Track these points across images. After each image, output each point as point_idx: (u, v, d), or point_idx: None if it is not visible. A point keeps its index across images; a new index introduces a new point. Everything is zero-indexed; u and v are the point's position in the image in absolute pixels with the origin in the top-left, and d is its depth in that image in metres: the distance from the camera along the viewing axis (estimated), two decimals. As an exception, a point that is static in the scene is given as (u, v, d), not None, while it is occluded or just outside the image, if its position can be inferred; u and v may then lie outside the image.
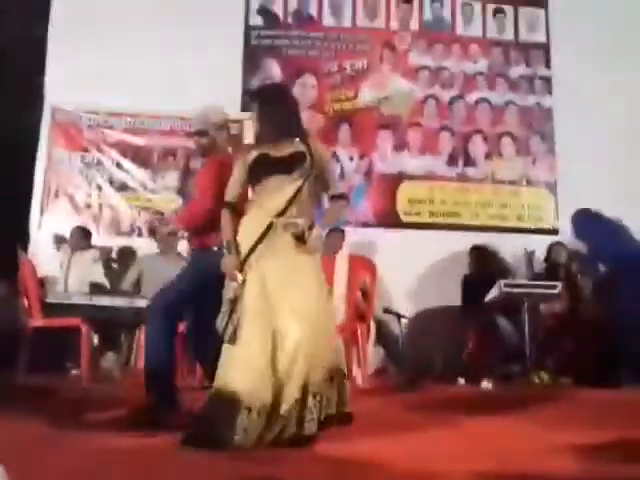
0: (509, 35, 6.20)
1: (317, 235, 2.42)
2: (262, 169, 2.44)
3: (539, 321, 4.65)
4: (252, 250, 2.40)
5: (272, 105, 2.50)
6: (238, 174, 2.50)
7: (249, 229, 2.44)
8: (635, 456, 2.20)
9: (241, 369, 2.28)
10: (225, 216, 2.53)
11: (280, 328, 2.30)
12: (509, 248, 5.40)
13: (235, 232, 2.48)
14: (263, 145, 2.48)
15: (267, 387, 2.27)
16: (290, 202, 2.41)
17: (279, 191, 2.41)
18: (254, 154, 2.48)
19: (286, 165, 2.42)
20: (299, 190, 2.41)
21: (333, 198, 2.55)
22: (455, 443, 2.57)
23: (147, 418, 2.59)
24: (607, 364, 4.23)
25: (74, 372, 4.36)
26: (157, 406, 2.67)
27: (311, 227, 2.42)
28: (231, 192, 2.53)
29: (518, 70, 6.13)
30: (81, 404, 3.35)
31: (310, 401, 2.31)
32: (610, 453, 2.28)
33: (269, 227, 2.40)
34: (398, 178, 5.75)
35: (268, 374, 2.28)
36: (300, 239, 2.41)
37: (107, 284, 4.67)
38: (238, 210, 2.51)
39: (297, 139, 2.47)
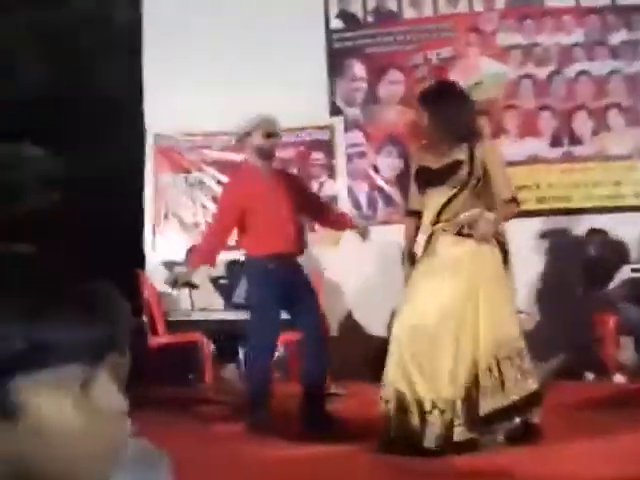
0: (604, 0, 5.78)
1: (486, 220, 2.41)
2: (423, 181, 2.50)
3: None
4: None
5: (439, 108, 2.50)
6: (412, 183, 2.61)
7: (420, 241, 2.61)
8: None
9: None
10: (407, 225, 2.68)
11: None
12: (629, 229, 5.03)
13: (413, 242, 2.59)
14: (429, 152, 2.54)
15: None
16: (441, 210, 2.49)
17: (434, 202, 2.51)
18: (415, 167, 2.55)
19: (442, 176, 2.45)
20: (453, 197, 2.46)
21: (504, 202, 2.52)
22: (598, 448, 2.42)
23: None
24: None
25: (198, 385, 4.52)
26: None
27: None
28: (411, 200, 2.65)
29: (619, 36, 5.68)
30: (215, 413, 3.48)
31: None
32: None
33: (430, 236, 2.53)
34: (498, 165, 5.51)
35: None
36: (465, 234, 2.43)
37: (220, 299, 4.81)
38: (420, 218, 2.62)
39: (464, 144, 2.46)
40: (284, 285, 2.93)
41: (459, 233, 2.46)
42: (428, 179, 2.50)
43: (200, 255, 3.31)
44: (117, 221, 4.58)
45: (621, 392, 3.77)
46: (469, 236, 2.44)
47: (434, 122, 2.47)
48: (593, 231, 4.85)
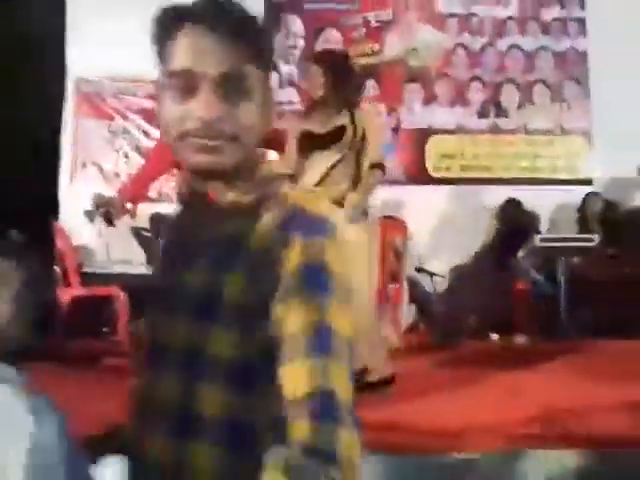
0: (541, -25, 5.88)
1: (352, 201, 2.43)
2: (305, 146, 2.48)
3: (575, 275, 4.56)
4: None
5: (334, 75, 2.49)
6: (291, 146, 2.56)
7: None
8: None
9: None
10: None
11: None
12: (544, 201, 5.27)
13: None
14: (312, 117, 2.51)
15: None
16: (325, 176, 2.46)
17: (316, 167, 2.48)
18: (299, 130, 2.52)
19: (325, 141, 2.45)
20: (336, 164, 2.46)
21: (371, 167, 2.54)
22: (493, 398, 2.60)
23: None
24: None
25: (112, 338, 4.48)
26: None
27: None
28: (286, 164, 2.61)
29: (551, 12, 5.83)
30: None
31: None
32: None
33: None
34: (427, 133, 5.61)
35: None
36: (340, 205, 2.45)
37: (141, 252, 4.74)
38: (295, 183, 2.60)
39: (346, 110, 2.47)
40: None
41: (338, 202, 2.45)
42: (311, 144, 2.50)
43: (132, 188, 3.12)
44: (31, 167, 4.38)
45: (520, 350, 4.04)
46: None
47: (328, 83, 2.47)
48: (509, 201, 5.05)
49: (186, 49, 0.75)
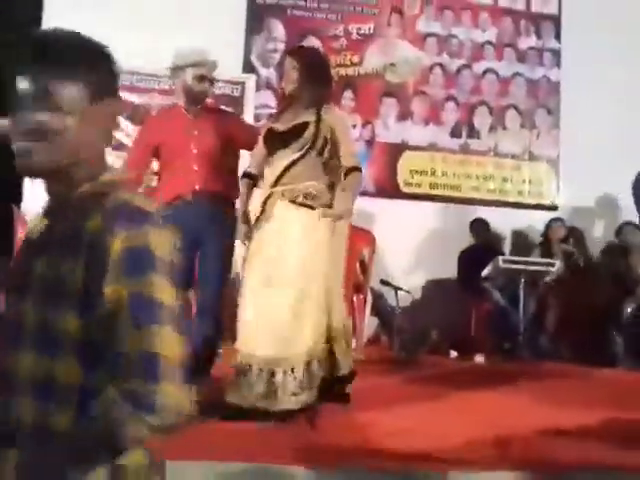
0: (520, 4, 6.03)
1: (343, 198, 2.44)
2: (270, 143, 2.46)
3: (535, 298, 4.65)
4: (255, 222, 2.51)
5: (309, 71, 2.46)
6: (258, 145, 2.54)
7: (255, 202, 2.52)
8: (629, 438, 2.21)
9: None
10: (242, 186, 2.62)
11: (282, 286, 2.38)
12: (508, 223, 5.38)
13: (247, 203, 2.55)
14: (280, 116, 2.49)
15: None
16: (284, 172, 2.43)
17: (276, 165, 2.46)
18: (264, 130, 2.50)
19: (287, 138, 2.42)
20: (297, 160, 2.42)
21: (347, 171, 2.51)
22: (451, 417, 2.60)
23: None
24: (600, 343, 4.25)
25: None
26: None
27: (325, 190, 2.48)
28: (251, 162, 2.60)
29: (528, 41, 5.99)
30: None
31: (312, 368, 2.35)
32: (606, 434, 2.30)
33: (267, 197, 2.47)
34: (400, 148, 5.67)
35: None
36: (303, 204, 2.43)
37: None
38: (255, 181, 2.57)
39: (311, 109, 2.44)
40: (186, 230, 2.74)
41: (294, 201, 2.44)
42: (274, 142, 2.47)
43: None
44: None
45: (479, 370, 4.06)
46: (305, 206, 2.44)
47: (301, 78, 2.44)
48: (477, 220, 5.14)
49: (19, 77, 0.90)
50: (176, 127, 2.75)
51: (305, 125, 2.42)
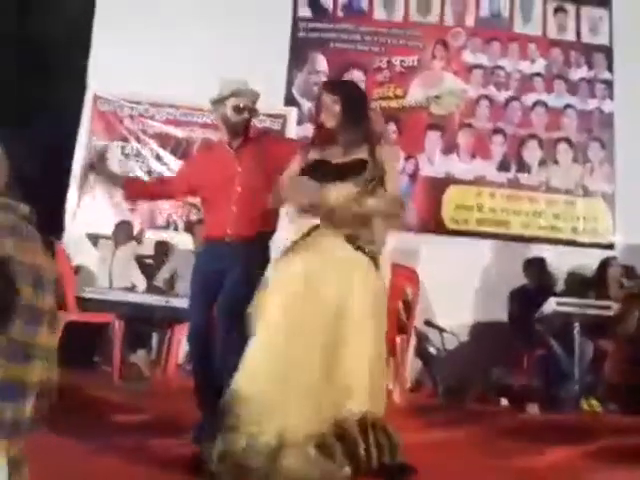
0: (570, 35, 5.84)
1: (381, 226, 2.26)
2: (318, 175, 2.28)
3: (591, 343, 4.34)
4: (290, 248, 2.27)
5: (352, 105, 2.32)
6: (292, 173, 2.36)
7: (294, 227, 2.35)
8: None
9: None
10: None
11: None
12: (561, 263, 5.09)
13: None
14: (325, 147, 2.33)
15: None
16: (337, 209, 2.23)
17: (331, 197, 2.24)
18: (311, 158, 2.33)
19: (344, 172, 2.26)
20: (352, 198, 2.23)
21: (391, 201, 2.33)
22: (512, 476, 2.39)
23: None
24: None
25: (104, 368, 4.28)
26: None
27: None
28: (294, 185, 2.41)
29: (579, 72, 5.78)
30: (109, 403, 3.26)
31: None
32: None
33: (314, 228, 2.27)
34: (445, 182, 5.48)
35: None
36: (361, 248, 2.22)
37: (143, 280, 4.58)
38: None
39: (365, 144, 2.31)
40: (210, 272, 2.57)
41: (351, 241, 2.21)
42: (328, 173, 2.26)
43: (137, 186, 2.96)
44: (40, 183, 4.26)
45: (532, 421, 3.78)
46: (361, 249, 2.21)
47: (343, 112, 2.30)
48: (532, 260, 4.88)
49: None
50: (217, 164, 2.66)
51: (363, 162, 2.27)
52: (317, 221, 2.28)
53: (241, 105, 2.58)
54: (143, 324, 4.24)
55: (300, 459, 1.98)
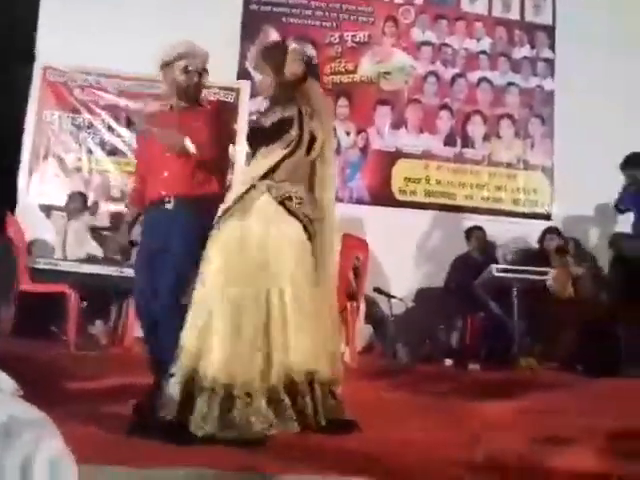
0: (515, 14, 6.06)
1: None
2: (254, 140, 2.34)
3: (529, 306, 4.64)
4: (227, 210, 2.24)
5: (276, 64, 2.33)
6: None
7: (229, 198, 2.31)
8: (630, 449, 2.17)
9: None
10: None
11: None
12: (503, 232, 5.37)
13: None
14: (263, 113, 2.37)
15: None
16: (274, 168, 2.24)
17: (263, 161, 2.27)
18: (249, 126, 2.40)
19: (269, 135, 2.28)
20: (285, 158, 2.25)
21: None
22: (446, 427, 2.56)
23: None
24: (599, 352, 4.21)
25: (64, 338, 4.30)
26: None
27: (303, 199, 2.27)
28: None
29: (522, 51, 6.02)
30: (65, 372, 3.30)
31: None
32: (591, 441, 2.27)
33: (247, 191, 2.23)
34: (395, 156, 5.67)
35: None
36: (285, 206, 2.23)
37: (99, 251, 4.60)
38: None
39: (292, 103, 2.29)
40: (154, 251, 2.47)
41: (284, 204, 2.22)
42: (258, 138, 2.31)
43: (134, 198, 2.78)
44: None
45: (473, 378, 4.02)
46: (293, 214, 2.22)
47: (275, 77, 2.31)
48: (472, 229, 5.13)
49: None
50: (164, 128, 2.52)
51: (290, 121, 2.26)
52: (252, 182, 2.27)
53: (190, 67, 2.50)
54: (100, 295, 4.27)
55: (250, 410, 2.07)
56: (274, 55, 2.39)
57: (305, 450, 2.06)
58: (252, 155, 2.37)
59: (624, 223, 5.01)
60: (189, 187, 2.47)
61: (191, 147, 2.40)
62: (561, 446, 2.19)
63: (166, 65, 2.54)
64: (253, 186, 2.23)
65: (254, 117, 5.52)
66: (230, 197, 2.31)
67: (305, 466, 1.88)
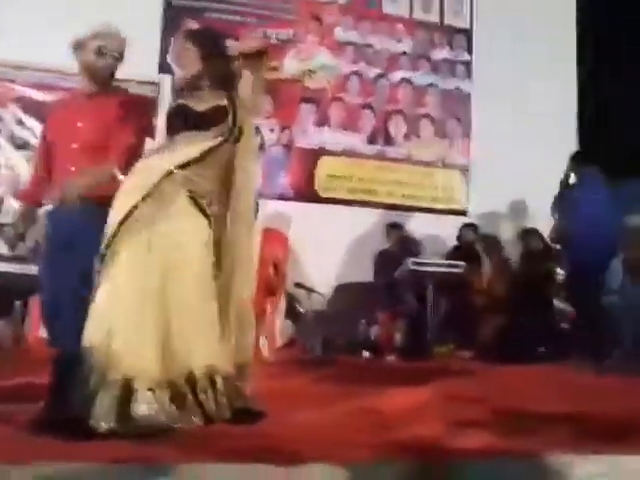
0: (434, 17, 6.26)
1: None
2: (180, 120, 2.26)
3: (444, 298, 4.81)
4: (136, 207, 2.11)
5: (210, 50, 2.26)
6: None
7: (136, 179, 2.16)
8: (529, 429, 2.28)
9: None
10: None
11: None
12: (421, 227, 5.54)
13: None
14: (187, 94, 2.24)
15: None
16: (197, 160, 2.15)
17: (188, 145, 2.16)
18: (173, 104, 2.25)
19: (204, 122, 2.19)
20: (211, 150, 2.18)
21: None
22: (356, 414, 2.62)
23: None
24: (509, 340, 4.40)
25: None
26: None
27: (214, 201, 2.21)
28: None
29: (441, 53, 6.21)
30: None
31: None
32: (508, 427, 2.38)
33: (164, 177, 2.12)
34: (318, 153, 5.73)
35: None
36: (196, 202, 2.17)
37: (4, 249, 4.41)
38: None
39: (222, 91, 2.23)
40: (61, 232, 2.36)
41: (197, 202, 2.16)
42: (188, 119, 2.17)
43: (25, 194, 2.63)
44: None
45: (390, 369, 4.13)
46: (202, 211, 2.17)
47: (202, 60, 2.23)
48: (391, 225, 5.26)
49: None
50: (63, 117, 2.39)
51: (224, 110, 2.18)
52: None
53: (104, 49, 2.34)
54: (3, 293, 4.09)
55: (151, 405, 2.04)
56: (206, 36, 2.34)
57: (208, 440, 2.07)
58: (169, 135, 2.23)
59: (534, 219, 5.28)
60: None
61: (119, 174, 2.26)
62: (473, 428, 2.30)
63: (79, 45, 2.39)
64: (170, 172, 2.13)
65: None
66: (140, 180, 2.15)
67: (209, 455, 1.89)
